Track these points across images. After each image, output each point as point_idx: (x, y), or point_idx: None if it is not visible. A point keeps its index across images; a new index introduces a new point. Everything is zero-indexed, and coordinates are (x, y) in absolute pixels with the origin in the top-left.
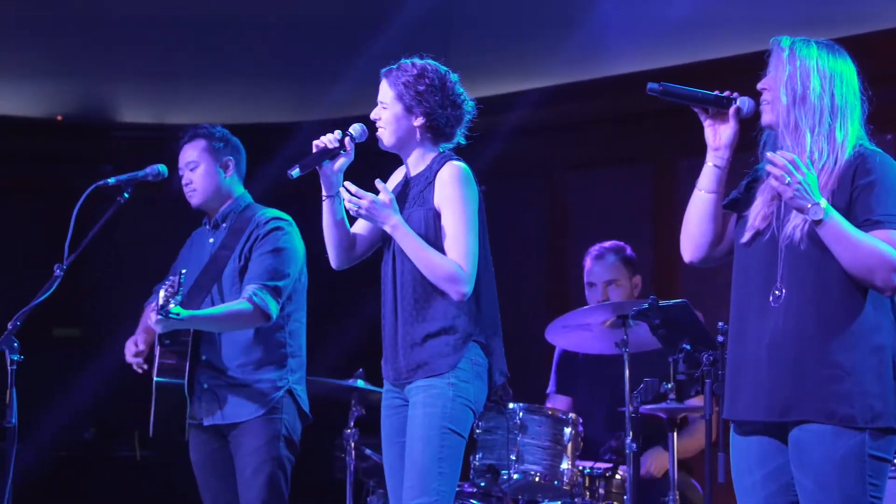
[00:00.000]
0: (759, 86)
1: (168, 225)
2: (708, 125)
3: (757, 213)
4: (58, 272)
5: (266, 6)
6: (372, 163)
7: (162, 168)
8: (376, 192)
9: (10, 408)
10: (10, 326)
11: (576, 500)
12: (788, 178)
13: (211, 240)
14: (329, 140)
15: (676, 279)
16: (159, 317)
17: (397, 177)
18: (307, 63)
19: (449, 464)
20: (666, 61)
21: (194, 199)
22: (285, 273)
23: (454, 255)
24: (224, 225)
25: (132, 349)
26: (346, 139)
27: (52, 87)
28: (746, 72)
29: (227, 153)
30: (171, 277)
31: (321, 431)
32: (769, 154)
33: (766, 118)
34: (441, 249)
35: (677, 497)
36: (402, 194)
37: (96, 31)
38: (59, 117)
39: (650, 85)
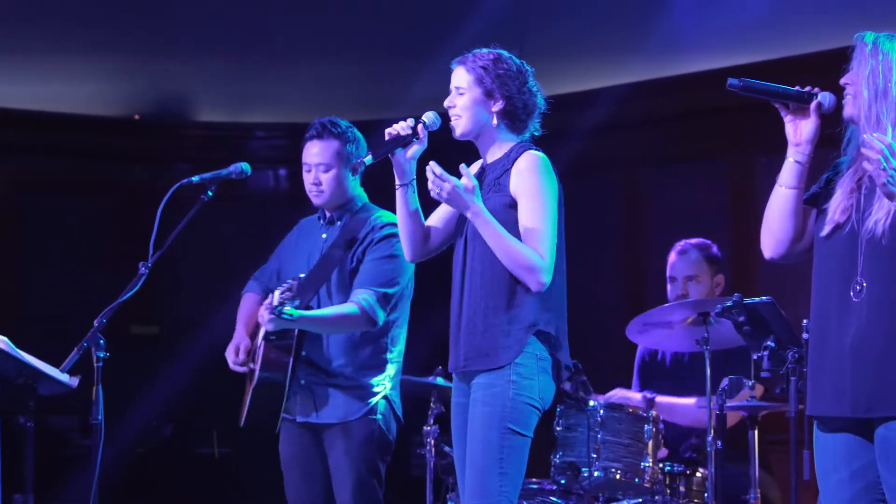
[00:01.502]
0: (842, 80)
1: (245, 223)
2: (789, 121)
3: (837, 206)
4: (143, 270)
5: (340, 6)
6: (446, 156)
7: (245, 166)
8: (459, 176)
9: (96, 405)
10: (95, 324)
11: (656, 497)
12: (885, 164)
13: (324, 235)
14: (402, 127)
15: (754, 275)
16: (272, 316)
17: (475, 168)
18: (382, 61)
19: (511, 463)
20: (743, 58)
21: (319, 199)
22: (396, 281)
23: (533, 245)
24: (338, 223)
25: (234, 358)
26: (419, 126)
27: (129, 87)
28: (824, 69)
29: (357, 156)
30: (289, 281)
31: (399, 429)
32: (865, 136)
33: (848, 112)
34: (515, 237)
35: (758, 495)
36: (479, 181)
37: (172, 31)
38: (137, 116)
39: (730, 81)
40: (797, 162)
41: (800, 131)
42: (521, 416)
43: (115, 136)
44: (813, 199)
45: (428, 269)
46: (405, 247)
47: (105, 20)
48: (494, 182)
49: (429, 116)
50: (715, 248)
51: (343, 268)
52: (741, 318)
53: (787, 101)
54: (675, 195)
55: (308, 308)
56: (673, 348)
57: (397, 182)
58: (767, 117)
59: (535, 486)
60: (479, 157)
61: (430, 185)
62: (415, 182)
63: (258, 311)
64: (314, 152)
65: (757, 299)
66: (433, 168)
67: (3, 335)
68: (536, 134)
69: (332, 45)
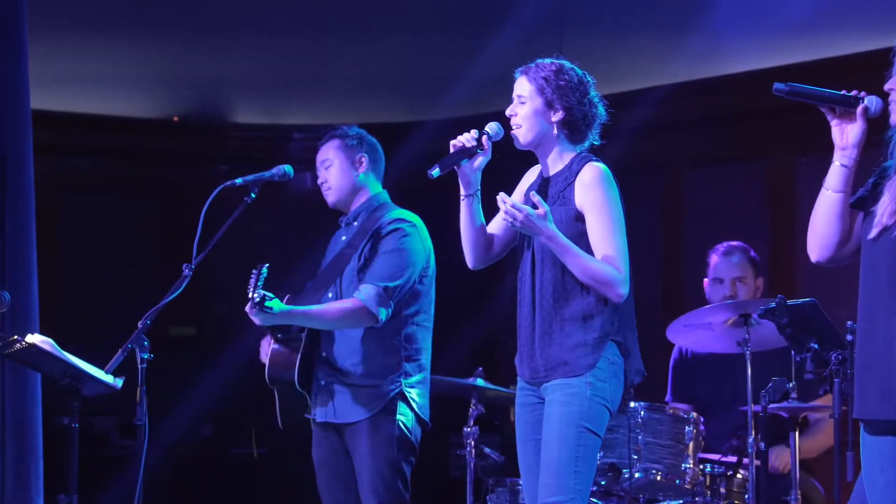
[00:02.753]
0: (887, 87)
1: (282, 224)
2: (835, 125)
3: (884, 210)
4: (186, 272)
5: (380, 7)
6: (503, 163)
7: (288, 168)
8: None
9: (140, 406)
10: (140, 325)
11: (697, 498)
12: None
13: (343, 237)
14: (467, 139)
15: (793, 277)
16: (254, 310)
17: (531, 175)
18: (421, 64)
19: (585, 462)
20: (784, 59)
21: (330, 196)
22: (400, 274)
23: (607, 259)
24: (355, 223)
25: (267, 350)
26: (484, 137)
27: (168, 89)
28: (867, 70)
29: (360, 150)
30: (253, 271)
31: (440, 430)
32: None
33: (894, 119)
34: (583, 249)
35: (799, 497)
36: (541, 193)
37: (211, 33)
38: (175, 118)
39: (776, 85)
40: (843, 166)
41: (846, 135)
42: (595, 417)
43: (154, 138)
44: (860, 202)
45: (467, 274)
46: (468, 255)
47: (143, 23)
48: (559, 195)
49: (492, 127)
50: (753, 251)
51: (353, 265)
52: (784, 320)
53: (833, 105)
54: (715, 197)
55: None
56: (713, 349)
57: (462, 193)
58: (807, 119)
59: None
60: (534, 165)
61: (502, 214)
62: (479, 193)
63: None
64: (319, 156)
65: (800, 301)
66: (504, 198)
67: (49, 335)
68: (596, 144)
69: (371, 48)
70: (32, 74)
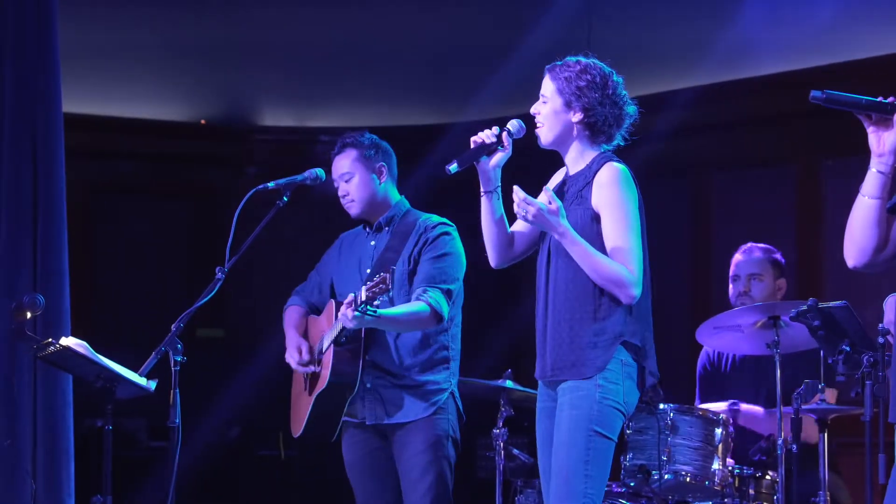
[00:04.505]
0: None
1: (309, 227)
2: (871, 131)
3: None
4: (219, 275)
5: (407, 9)
6: (527, 162)
7: (320, 172)
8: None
9: (173, 408)
10: (173, 328)
11: (726, 500)
12: None
13: (373, 243)
14: (487, 136)
15: (820, 279)
16: (356, 313)
17: (559, 176)
18: (449, 66)
19: (596, 466)
20: (813, 61)
21: (353, 209)
22: (455, 277)
23: (619, 258)
24: (387, 228)
25: (297, 357)
26: (504, 134)
27: (196, 92)
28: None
29: (378, 159)
30: (381, 274)
31: (468, 431)
32: None
33: None
34: (599, 250)
35: (828, 497)
36: (560, 192)
37: (239, 37)
38: (203, 121)
39: (813, 93)
40: (880, 172)
41: (883, 142)
42: (606, 420)
43: (184, 141)
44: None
45: (497, 274)
46: (490, 253)
47: (171, 26)
48: (577, 195)
49: (513, 124)
50: (779, 255)
51: (401, 269)
52: (816, 323)
53: (870, 111)
54: (743, 199)
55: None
56: (742, 351)
57: (482, 189)
58: (834, 122)
59: (604, 489)
60: (562, 165)
61: (515, 207)
62: (499, 189)
63: (304, 322)
64: (337, 167)
65: (832, 303)
66: (518, 192)
67: (82, 338)
68: (622, 144)
69: (399, 50)
70: (64, 79)
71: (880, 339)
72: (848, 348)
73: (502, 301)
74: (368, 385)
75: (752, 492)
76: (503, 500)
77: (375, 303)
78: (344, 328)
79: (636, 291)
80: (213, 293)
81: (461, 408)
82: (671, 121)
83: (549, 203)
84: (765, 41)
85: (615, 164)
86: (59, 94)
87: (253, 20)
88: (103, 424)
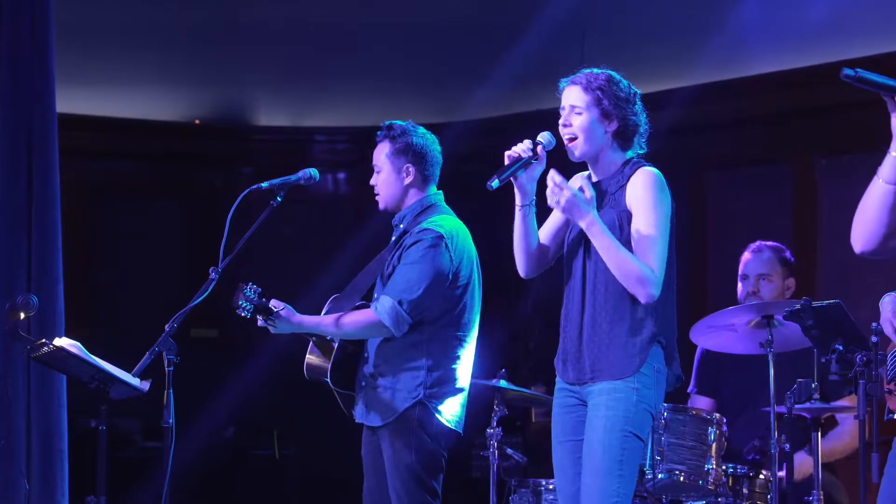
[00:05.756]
0: None
1: (305, 226)
2: (895, 115)
3: None
4: (213, 276)
5: (403, 9)
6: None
7: (314, 172)
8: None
9: (167, 408)
10: (167, 328)
11: (720, 499)
12: None
13: (392, 238)
14: (522, 149)
15: (815, 278)
16: (266, 322)
17: (576, 182)
18: (444, 66)
19: (628, 467)
20: (807, 61)
21: (379, 203)
22: (416, 287)
23: (644, 258)
24: (401, 226)
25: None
26: (539, 147)
27: (190, 92)
28: (888, 72)
29: (405, 159)
30: (239, 285)
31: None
32: None
33: None
34: (631, 252)
35: (822, 497)
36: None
37: (233, 36)
38: (197, 121)
39: (845, 70)
40: None
41: None
42: (640, 422)
43: (179, 141)
44: None
45: (489, 276)
46: (521, 264)
47: (165, 26)
48: (610, 198)
49: (545, 136)
50: (788, 253)
51: (384, 272)
52: (809, 322)
53: None
54: (739, 199)
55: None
56: (737, 350)
57: (518, 203)
58: (829, 122)
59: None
60: (580, 170)
61: (548, 192)
62: (535, 202)
63: None
64: (374, 157)
65: (826, 302)
66: (554, 176)
67: (77, 338)
68: (641, 152)
69: (394, 50)
70: (60, 79)
71: (874, 339)
72: (841, 347)
73: (495, 301)
74: (363, 383)
75: (745, 491)
76: (497, 499)
77: (259, 317)
78: None
79: (655, 291)
80: (206, 293)
81: (448, 420)
82: (666, 120)
83: (583, 191)
84: (759, 41)
85: (648, 167)
86: (53, 94)
87: (248, 20)
88: (97, 425)
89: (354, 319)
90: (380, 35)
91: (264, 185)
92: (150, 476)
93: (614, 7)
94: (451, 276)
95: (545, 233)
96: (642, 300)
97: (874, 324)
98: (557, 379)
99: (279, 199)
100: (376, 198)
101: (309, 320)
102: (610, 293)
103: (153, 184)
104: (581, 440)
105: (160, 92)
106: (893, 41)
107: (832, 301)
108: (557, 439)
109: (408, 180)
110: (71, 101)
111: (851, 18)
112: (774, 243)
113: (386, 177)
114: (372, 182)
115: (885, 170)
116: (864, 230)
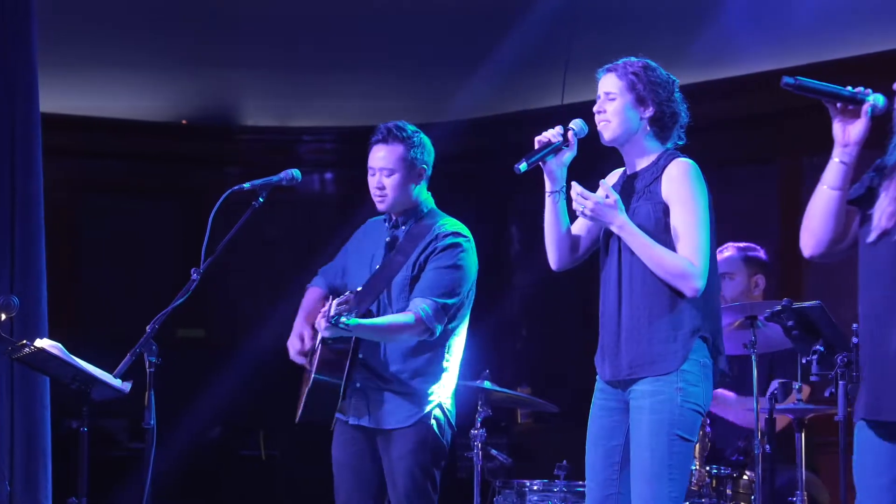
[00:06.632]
0: None
1: (292, 226)
2: (837, 121)
3: (882, 212)
4: (194, 276)
5: (390, 8)
6: (589, 161)
7: (296, 172)
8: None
9: (148, 409)
10: (148, 329)
11: (703, 500)
12: None
13: (387, 238)
14: (552, 135)
15: (801, 278)
16: (328, 325)
17: (613, 178)
18: (432, 65)
19: (679, 469)
20: (793, 61)
21: (383, 204)
22: (457, 292)
23: (685, 251)
24: (403, 227)
25: (298, 346)
26: (570, 133)
27: (177, 92)
28: (874, 71)
29: (422, 161)
30: (347, 294)
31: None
32: None
33: None
34: (667, 243)
35: (805, 498)
36: (627, 188)
37: (220, 35)
38: (184, 121)
39: (785, 79)
40: (843, 163)
41: (848, 132)
42: (687, 423)
43: (166, 141)
44: (857, 201)
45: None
46: (552, 255)
47: (152, 24)
48: (644, 189)
49: (577, 123)
50: (758, 252)
51: (404, 274)
52: (790, 323)
53: (839, 101)
54: (725, 198)
55: (368, 312)
56: None
57: (548, 189)
58: (813, 120)
59: (581, 489)
60: (620, 166)
61: (574, 204)
62: (564, 189)
63: (319, 308)
64: (379, 156)
65: (806, 304)
66: (575, 186)
67: (63, 339)
68: (680, 143)
69: (380, 50)
70: (45, 78)
71: (854, 340)
72: (822, 348)
73: (480, 300)
74: (358, 385)
75: (729, 492)
76: (481, 500)
77: (343, 319)
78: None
79: (699, 284)
80: (188, 294)
81: (452, 420)
82: None
83: (607, 197)
84: (745, 41)
85: (684, 159)
86: (36, 92)
87: (235, 19)
88: (79, 426)
89: (401, 323)
90: (367, 34)
91: (246, 185)
92: (136, 476)
93: (602, 7)
94: (474, 281)
95: (579, 225)
96: (688, 294)
97: (855, 325)
98: (597, 378)
99: (261, 199)
100: (381, 198)
101: (364, 325)
102: (647, 287)
103: (140, 184)
104: (616, 445)
105: (147, 92)
106: (879, 41)
107: (813, 302)
108: (592, 441)
109: (420, 182)
110: (57, 101)
111: (839, 17)
112: (743, 243)
113: (400, 181)
114: (378, 184)
115: (828, 176)
116: (811, 236)
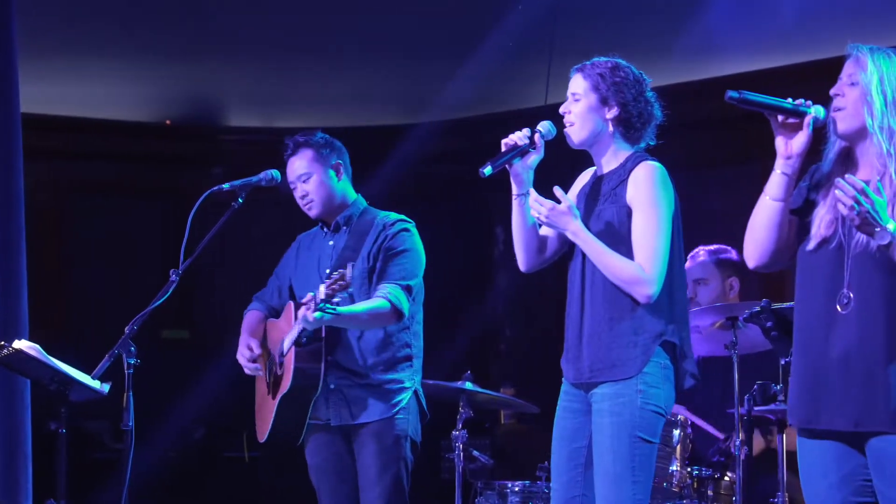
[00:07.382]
0: (832, 91)
1: (276, 227)
2: (779, 133)
3: (821, 220)
4: (173, 278)
5: (374, 10)
6: (561, 161)
7: (275, 173)
8: (554, 198)
9: (127, 411)
10: (126, 330)
11: (684, 501)
12: (857, 207)
13: (331, 242)
14: (519, 137)
15: (782, 279)
16: (317, 312)
17: (585, 178)
18: (414, 66)
19: (642, 471)
20: (776, 61)
21: (313, 210)
22: (416, 272)
23: (640, 257)
24: (345, 228)
25: (248, 354)
26: (536, 136)
27: (161, 92)
28: None
29: (334, 157)
30: (340, 270)
31: (429, 433)
32: (839, 180)
33: (841, 127)
34: (631, 247)
35: (786, 498)
36: (594, 191)
37: (205, 36)
38: (168, 121)
39: (729, 93)
40: (785, 174)
41: (790, 145)
42: (648, 424)
43: (147, 141)
44: (796, 210)
45: (456, 277)
46: (520, 257)
47: (136, 26)
48: (610, 192)
49: (544, 126)
50: (729, 253)
51: (361, 267)
52: (769, 324)
53: (781, 114)
54: (705, 199)
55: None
56: (701, 352)
57: (514, 192)
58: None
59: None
60: (591, 166)
61: (531, 210)
62: (531, 192)
63: (261, 328)
64: (294, 168)
65: (785, 305)
66: (531, 193)
67: (51, 339)
68: (651, 144)
69: (365, 50)
70: (31, 80)
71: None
72: None
73: (462, 301)
74: (332, 386)
75: (710, 493)
76: (463, 501)
77: (335, 300)
78: (304, 329)
79: (651, 290)
80: (167, 296)
81: (425, 406)
82: None
83: (561, 202)
84: (728, 41)
85: (651, 162)
86: (17, 93)
87: (219, 20)
88: (57, 427)
89: (373, 309)
90: (350, 36)
91: (225, 186)
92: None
93: (585, 9)
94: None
95: (547, 228)
96: (640, 300)
97: None
98: (563, 379)
99: (240, 200)
100: (309, 205)
101: (344, 314)
102: (609, 291)
103: (125, 184)
104: (579, 447)
105: (131, 92)
106: (863, 42)
107: (791, 303)
108: (556, 442)
109: (340, 177)
110: (41, 102)
111: (821, 18)
112: (718, 245)
113: (318, 179)
114: (301, 193)
115: (771, 187)
116: (755, 247)
